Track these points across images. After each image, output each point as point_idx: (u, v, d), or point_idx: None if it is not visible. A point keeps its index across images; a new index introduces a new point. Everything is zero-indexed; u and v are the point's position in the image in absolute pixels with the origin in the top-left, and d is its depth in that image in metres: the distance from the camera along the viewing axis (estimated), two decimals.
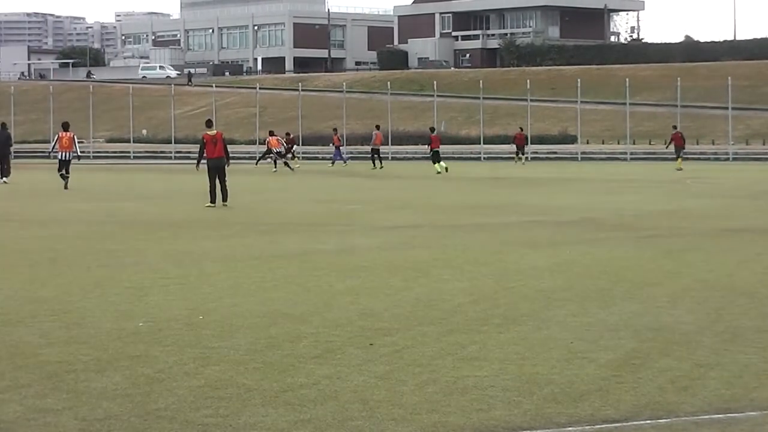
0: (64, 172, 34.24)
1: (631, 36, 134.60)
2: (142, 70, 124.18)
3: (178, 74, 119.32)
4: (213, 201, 25.87)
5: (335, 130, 58.52)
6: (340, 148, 57.31)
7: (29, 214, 25.04)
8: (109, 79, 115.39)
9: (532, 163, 55.23)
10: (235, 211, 24.97)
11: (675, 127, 52.38)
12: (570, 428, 6.96)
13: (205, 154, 26.52)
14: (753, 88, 77.64)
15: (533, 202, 27.51)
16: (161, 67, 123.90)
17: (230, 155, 27.29)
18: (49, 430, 6.95)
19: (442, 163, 45.03)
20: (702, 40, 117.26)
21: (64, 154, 34.63)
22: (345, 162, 55.65)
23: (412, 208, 25.63)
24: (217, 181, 26.10)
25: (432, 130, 50.08)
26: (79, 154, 35.88)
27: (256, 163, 52.93)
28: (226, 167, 26.52)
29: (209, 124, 27.44)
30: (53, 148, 35.50)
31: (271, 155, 50.23)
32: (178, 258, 15.80)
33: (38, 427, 7.00)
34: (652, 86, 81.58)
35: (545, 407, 7.39)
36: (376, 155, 51.94)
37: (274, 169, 48.49)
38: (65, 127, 35.04)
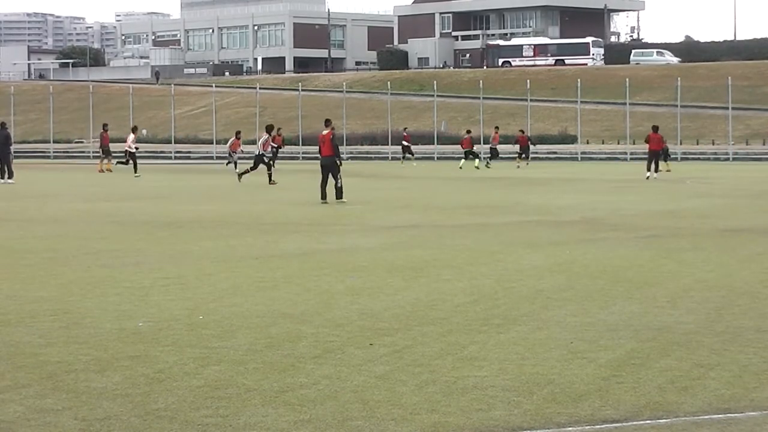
0: (270, 169, 35.73)
1: (631, 36, 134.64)
2: (634, 56, 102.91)
3: (680, 61, 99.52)
4: (323, 198, 26.96)
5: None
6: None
7: (29, 214, 25.04)
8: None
9: (532, 162, 55.16)
10: (235, 211, 24.98)
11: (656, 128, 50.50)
12: (570, 428, 6.96)
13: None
14: (753, 88, 77.66)
15: (533, 202, 27.50)
16: (659, 53, 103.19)
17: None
18: (49, 430, 6.94)
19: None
20: (702, 40, 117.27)
21: (267, 151, 36.07)
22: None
23: (412, 208, 25.63)
24: (331, 178, 27.03)
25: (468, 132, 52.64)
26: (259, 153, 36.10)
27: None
28: (338, 165, 27.28)
29: (327, 123, 28.16)
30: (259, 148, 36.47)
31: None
32: (178, 258, 15.80)
33: (38, 427, 7.00)
34: (652, 86, 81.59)
35: (545, 407, 7.39)
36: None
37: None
38: (269, 129, 36.38)
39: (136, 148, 45.99)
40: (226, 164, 48.98)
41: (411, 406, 7.42)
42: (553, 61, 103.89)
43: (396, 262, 15.09)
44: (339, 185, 26.93)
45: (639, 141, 66.64)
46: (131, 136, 45.93)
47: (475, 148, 53.93)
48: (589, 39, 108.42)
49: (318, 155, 28.38)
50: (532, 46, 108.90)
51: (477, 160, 51.69)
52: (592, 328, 10.17)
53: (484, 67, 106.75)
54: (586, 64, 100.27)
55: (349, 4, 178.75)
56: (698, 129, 69.99)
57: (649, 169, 38.98)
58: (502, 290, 12.55)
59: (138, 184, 38.31)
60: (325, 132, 27.38)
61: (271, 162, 37.39)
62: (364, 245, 17.52)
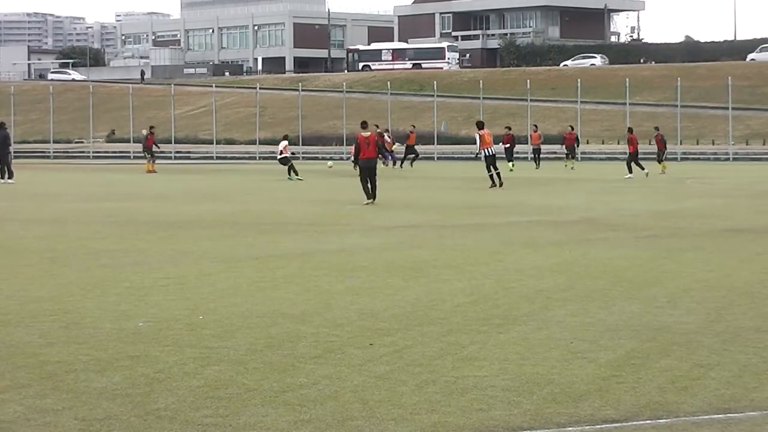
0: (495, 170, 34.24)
1: (631, 36, 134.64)
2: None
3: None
4: (368, 197, 27.10)
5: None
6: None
7: (29, 214, 25.03)
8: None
9: (529, 163, 55.01)
10: (235, 211, 24.98)
11: (657, 129, 48.94)
12: (570, 428, 6.96)
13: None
14: (753, 88, 77.62)
15: (533, 203, 27.51)
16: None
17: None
18: (49, 430, 6.94)
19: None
20: (702, 40, 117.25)
21: (487, 150, 34.20)
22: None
23: (412, 208, 25.63)
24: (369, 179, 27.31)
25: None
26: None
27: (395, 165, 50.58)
28: (377, 167, 27.63)
29: (364, 125, 28.35)
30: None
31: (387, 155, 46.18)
32: (178, 258, 15.80)
33: (38, 427, 7.00)
34: (652, 86, 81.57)
35: (545, 407, 7.39)
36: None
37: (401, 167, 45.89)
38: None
39: (292, 153, 42.98)
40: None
41: (411, 406, 7.42)
42: (411, 65, 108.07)
43: (396, 262, 15.09)
44: (376, 186, 27.27)
45: (639, 141, 66.63)
46: (284, 143, 41.61)
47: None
48: (444, 44, 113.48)
49: (351, 156, 28.51)
50: (391, 51, 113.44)
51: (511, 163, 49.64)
52: (592, 328, 10.17)
53: (345, 72, 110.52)
54: (442, 68, 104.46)
55: (349, 4, 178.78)
56: (698, 129, 69.97)
57: (642, 168, 40.31)
58: (502, 290, 12.54)
59: (138, 185, 38.29)
60: (366, 134, 27.59)
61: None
62: (364, 245, 17.52)
